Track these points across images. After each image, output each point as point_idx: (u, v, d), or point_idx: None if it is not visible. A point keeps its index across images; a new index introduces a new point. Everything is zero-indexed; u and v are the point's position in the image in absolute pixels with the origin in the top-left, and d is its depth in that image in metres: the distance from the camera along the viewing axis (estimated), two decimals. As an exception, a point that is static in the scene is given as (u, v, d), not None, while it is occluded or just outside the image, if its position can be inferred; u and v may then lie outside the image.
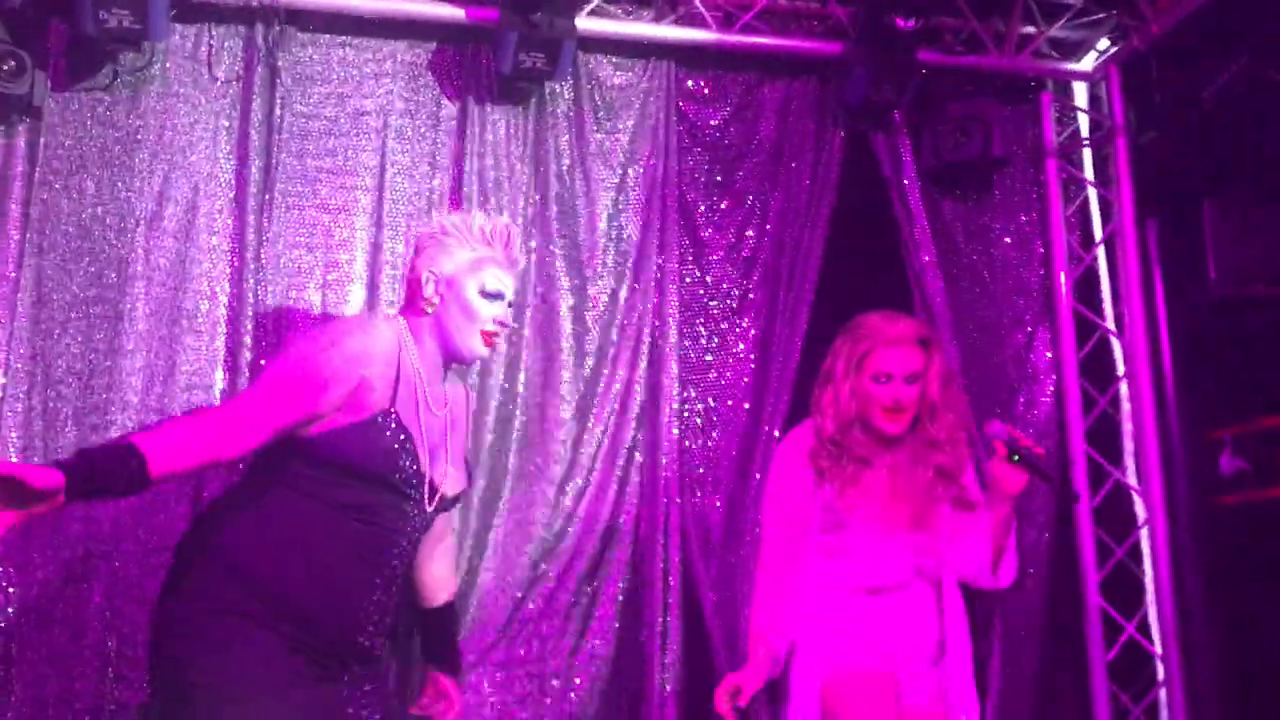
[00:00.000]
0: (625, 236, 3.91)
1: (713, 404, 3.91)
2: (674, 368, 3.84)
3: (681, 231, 3.97)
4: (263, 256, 3.54)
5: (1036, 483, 2.92)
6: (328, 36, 3.72)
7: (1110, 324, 4.32)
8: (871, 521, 2.86)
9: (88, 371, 3.37)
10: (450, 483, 2.59)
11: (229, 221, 3.55)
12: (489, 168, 3.80)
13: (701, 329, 3.97)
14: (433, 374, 2.56)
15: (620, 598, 3.70)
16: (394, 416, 2.41)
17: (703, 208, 4.03)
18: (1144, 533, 4.15)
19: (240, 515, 2.43)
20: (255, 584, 2.35)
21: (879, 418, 2.85)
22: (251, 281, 3.51)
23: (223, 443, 2.23)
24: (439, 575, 2.88)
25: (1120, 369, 4.27)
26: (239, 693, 2.28)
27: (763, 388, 3.89)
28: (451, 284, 2.54)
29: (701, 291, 3.98)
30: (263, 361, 3.45)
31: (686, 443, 3.84)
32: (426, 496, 2.51)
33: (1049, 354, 4.24)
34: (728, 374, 3.95)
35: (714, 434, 3.89)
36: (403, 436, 2.42)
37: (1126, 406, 4.23)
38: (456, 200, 3.75)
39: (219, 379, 3.46)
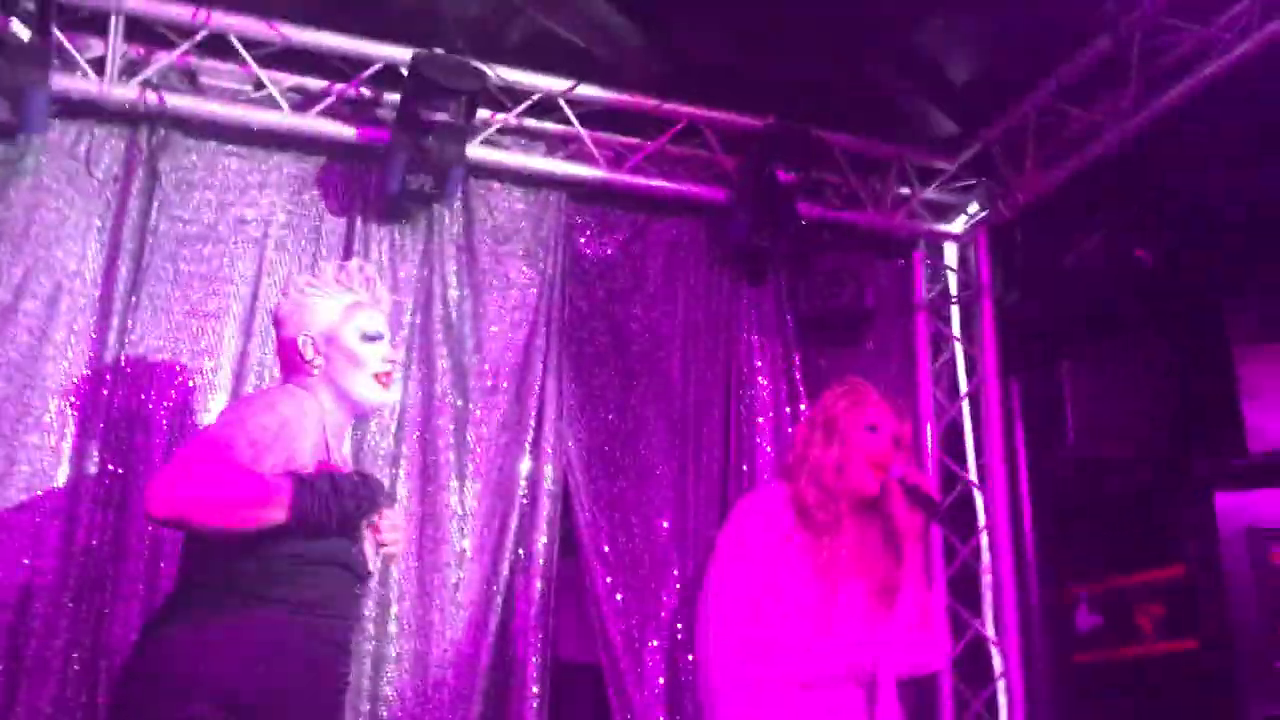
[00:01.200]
0: (510, 357, 3.90)
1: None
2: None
3: (571, 356, 3.98)
4: (122, 359, 3.44)
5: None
6: (213, 144, 3.71)
7: (973, 476, 4.42)
8: (830, 595, 2.80)
9: (-73, 463, 3.20)
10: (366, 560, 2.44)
11: (91, 320, 3.45)
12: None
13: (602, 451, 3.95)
14: (338, 437, 2.49)
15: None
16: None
17: (592, 331, 4.05)
18: (1000, 685, 4.17)
19: (188, 632, 2.20)
20: (222, 697, 2.14)
21: (862, 471, 2.81)
22: (110, 380, 3.40)
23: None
24: None
25: (981, 521, 4.35)
26: None
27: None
28: (330, 339, 2.47)
29: (589, 416, 3.96)
30: (110, 466, 3.32)
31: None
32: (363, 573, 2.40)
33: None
34: (630, 496, 3.92)
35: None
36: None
37: (987, 559, 4.30)
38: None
39: (61, 478, 3.30)
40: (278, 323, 2.54)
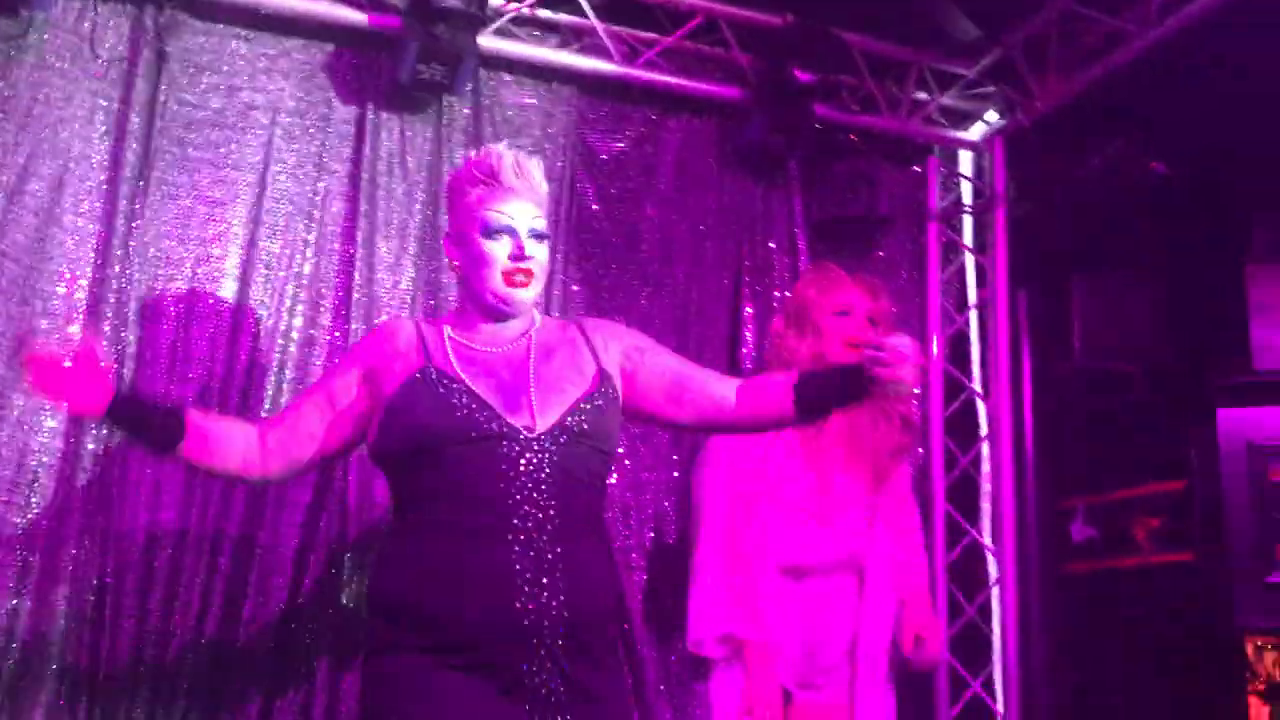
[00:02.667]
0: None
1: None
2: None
3: (580, 255, 3.95)
4: (130, 244, 3.40)
5: None
6: (222, 26, 3.61)
7: (978, 386, 4.42)
8: (824, 485, 2.80)
9: (-73, 346, 3.19)
10: (560, 402, 2.20)
11: (98, 204, 3.40)
12: (380, 174, 3.73)
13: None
14: (479, 332, 2.29)
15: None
16: (430, 371, 2.18)
17: (602, 230, 4.01)
18: (994, 592, 4.24)
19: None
20: (395, 612, 2.12)
21: (840, 355, 2.80)
22: (117, 268, 3.37)
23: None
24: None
25: (984, 430, 4.37)
26: None
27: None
28: (460, 239, 2.30)
29: (600, 314, 3.92)
30: (119, 347, 3.32)
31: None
32: (525, 427, 2.14)
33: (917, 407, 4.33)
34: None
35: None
36: (446, 381, 2.16)
37: (987, 468, 4.33)
38: (348, 205, 3.67)
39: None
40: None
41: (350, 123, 3.72)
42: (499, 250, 2.23)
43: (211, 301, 3.48)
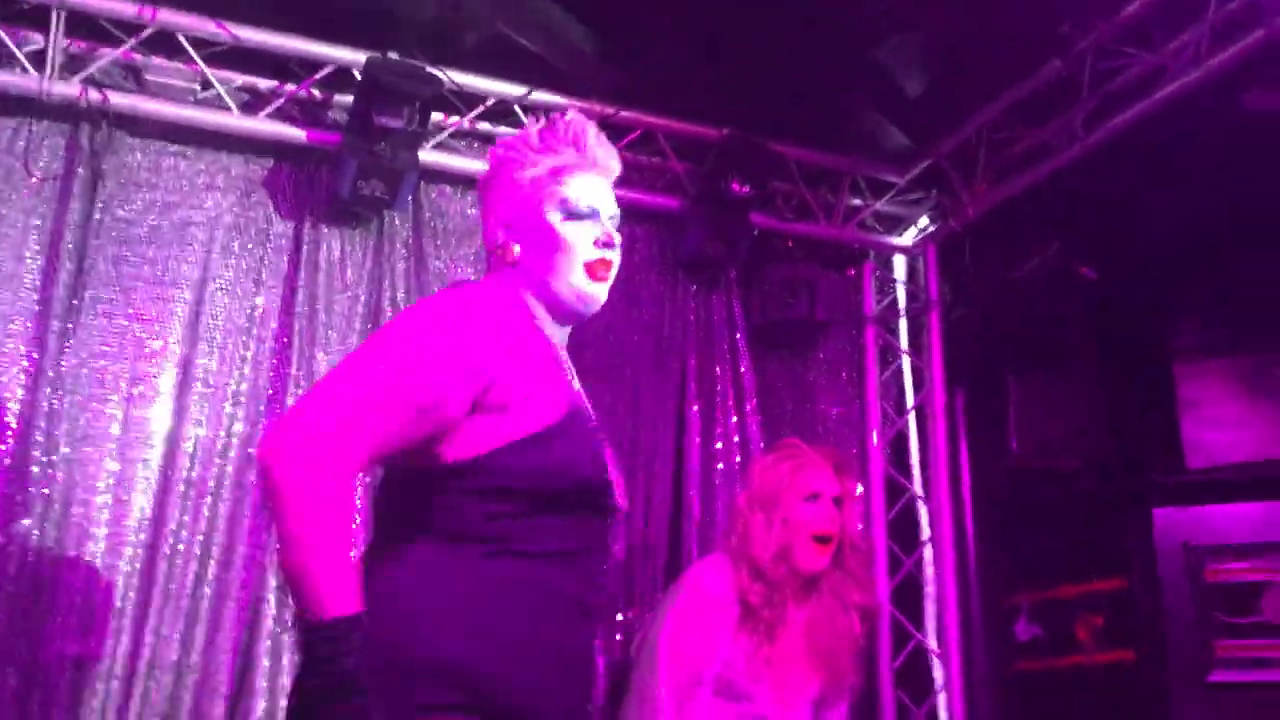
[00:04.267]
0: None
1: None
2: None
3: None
4: (62, 365, 3.35)
5: None
6: (158, 144, 3.62)
7: (918, 488, 4.46)
8: (778, 691, 2.73)
9: None
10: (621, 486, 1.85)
11: (28, 325, 3.35)
12: (320, 289, 3.72)
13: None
14: (559, 347, 1.87)
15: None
16: (578, 411, 1.74)
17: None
18: (941, 698, 4.22)
19: (403, 588, 1.62)
20: (448, 670, 1.58)
21: (805, 549, 2.73)
22: (48, 390, 3.31)
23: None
24: None
25: (926, 533, 4.40)
26: None
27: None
28: (521, 221, 1.83)
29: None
30: (50, 473, 3.24)
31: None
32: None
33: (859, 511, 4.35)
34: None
35: None
36: (595, 432, 1.77)
37: (930, 571, 4.34)
38: (284, 320, 3.64)
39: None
40: (480, 201, 1.96)
41: (288, 237, 3.72)
42: (582, 235, 1.81)
43: (147, 420, 3.41)
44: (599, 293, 1.83)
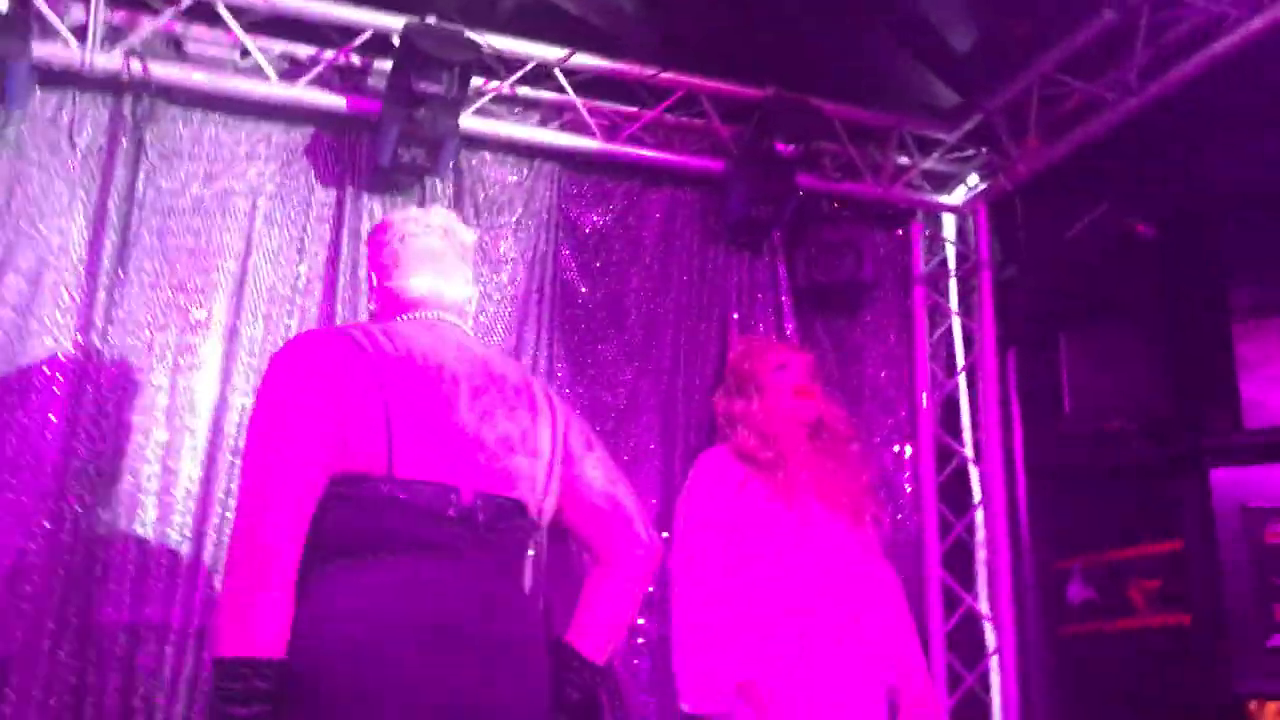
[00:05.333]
0: (501, 333, 3.84)
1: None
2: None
3: (564, 332, 3.92)
4: (110, 335, 3.37)
5: None
6: (200, 114, 3.62)
7: (969, 451, 4.39)
8: (807, 523, 2.81)
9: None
10: None
11: (76, 296, 3.38)
12: (362, 257, 3.70)
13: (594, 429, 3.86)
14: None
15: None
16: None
17: (585, 305, 3.98)
18: (994, 661, 4.18)
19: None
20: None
21: (788, 405, 2.86)
22: (96, 360, 3.34)
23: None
24: None
25: (977, 496, 4.34)
26: None
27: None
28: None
29: (582, 392, 3.90)
30: (100, 446, 3.28)
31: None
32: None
33: (909, 475, 4.30)
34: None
35: None
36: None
37: (981, 535, 4.28)
38: (328, 289, 3.64)
39: (50, 457, 3.24)
40: None
41: (330, 205, 3.72)
42: None
43: (194, 393, 3.43)
44: None
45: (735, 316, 4.15)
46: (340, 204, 3.72)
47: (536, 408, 2.16)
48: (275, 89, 3.62)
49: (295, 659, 1.78)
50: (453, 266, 2.23)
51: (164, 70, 3.49)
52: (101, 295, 3.38)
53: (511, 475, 2.05)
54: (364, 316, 3.59)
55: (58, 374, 3.31)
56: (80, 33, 3.42)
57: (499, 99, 3.92)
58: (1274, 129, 3.76)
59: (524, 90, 3.94)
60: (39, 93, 3.42)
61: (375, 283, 2.25)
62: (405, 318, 2.16)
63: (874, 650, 2.82)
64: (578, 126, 3.99)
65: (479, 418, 2.05)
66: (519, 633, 2.00)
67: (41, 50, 3.33)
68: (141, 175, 3.51)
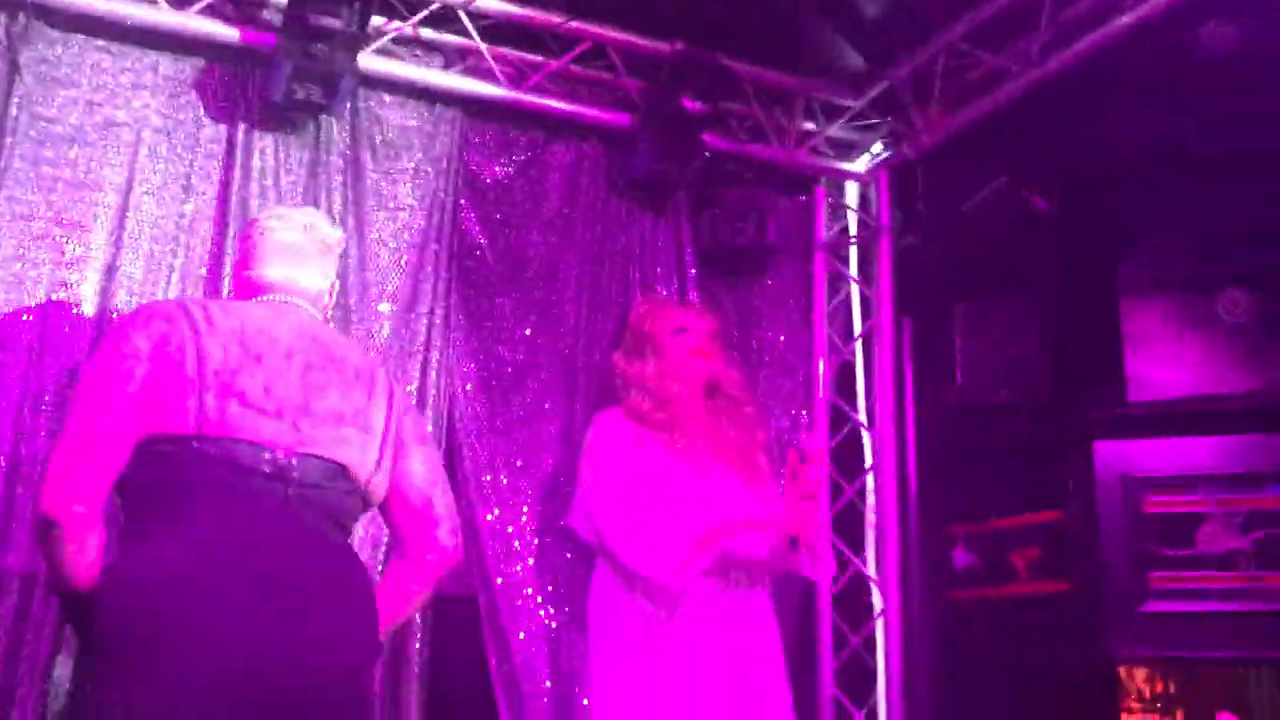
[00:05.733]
0: (397, 281, 3.74)
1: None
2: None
3: (461, 283, 3.83)
4: (-21, 267, 3.20)
5: None
6: (81, 38, 3.42)
7: (862, 417, 4.43)
8: (702, 474, 2.82)
9: None
10: None
11: (-56, 225, 3.18)
12: (252, 196, 3.56)
13: (489, 386, 3.81)
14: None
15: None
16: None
17: (484, 257, 3.90)
18: (879, 624, 4.24)
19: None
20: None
21: (684, 364, 2.93)
22: (-37, 294, 3.16)
23: None
24: None
25: (868, 461, 4.38)
26: None
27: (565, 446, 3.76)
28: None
29: (478, 346, 3.83)
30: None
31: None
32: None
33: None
34: (519, 436, 3.80)
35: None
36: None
37: (872, 499, 4.33)
38: (217, 229, 3.50)
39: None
40: None
41: (220, 142, 3.56)
42: None
43: (67, 330, 3.27)
44: None
45: (637, 275, 4.10)
46: (231, 140, 3.57)
47: (374, 391, 2.34)
48: (164, 15, 3.45)
49: (108, 607, 1.97)
50: (309, 259, 2.47)
51: (42, -12, 3.30)
52: (-31, 226, 3.20)
53: (336, 442, 2.23)
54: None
55: (-79, 307, 3.13)
56: (-49, -57, 3.22)
57: (400, 39, 3.80)
58: (1169, 107, 3.84)
59: (427, 32, 3.83)
60: (-96, 6, 3.21)
61: (235, 271, 2.55)
62: (254, 300, 2.38)
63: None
64: (481, 73, 3.89)
65: (307, 389, 2.23)
66: (337, 572, 2.17)
67: (-94, -41, 3.12)
68: (15, 100, 3.31)
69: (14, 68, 3.32)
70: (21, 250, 3.27)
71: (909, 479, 4.43)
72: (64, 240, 3.32)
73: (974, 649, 4.38)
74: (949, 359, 4.48)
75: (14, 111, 3.31)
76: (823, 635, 4.20)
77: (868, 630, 4.25)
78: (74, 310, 3.29)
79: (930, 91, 4.16)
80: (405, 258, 3.76)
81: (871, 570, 4.29)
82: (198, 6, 3.49)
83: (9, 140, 3.28)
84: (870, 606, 4.28)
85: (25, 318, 3.23)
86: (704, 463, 2.93)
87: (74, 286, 3.31)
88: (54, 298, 3.28)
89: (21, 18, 3.31)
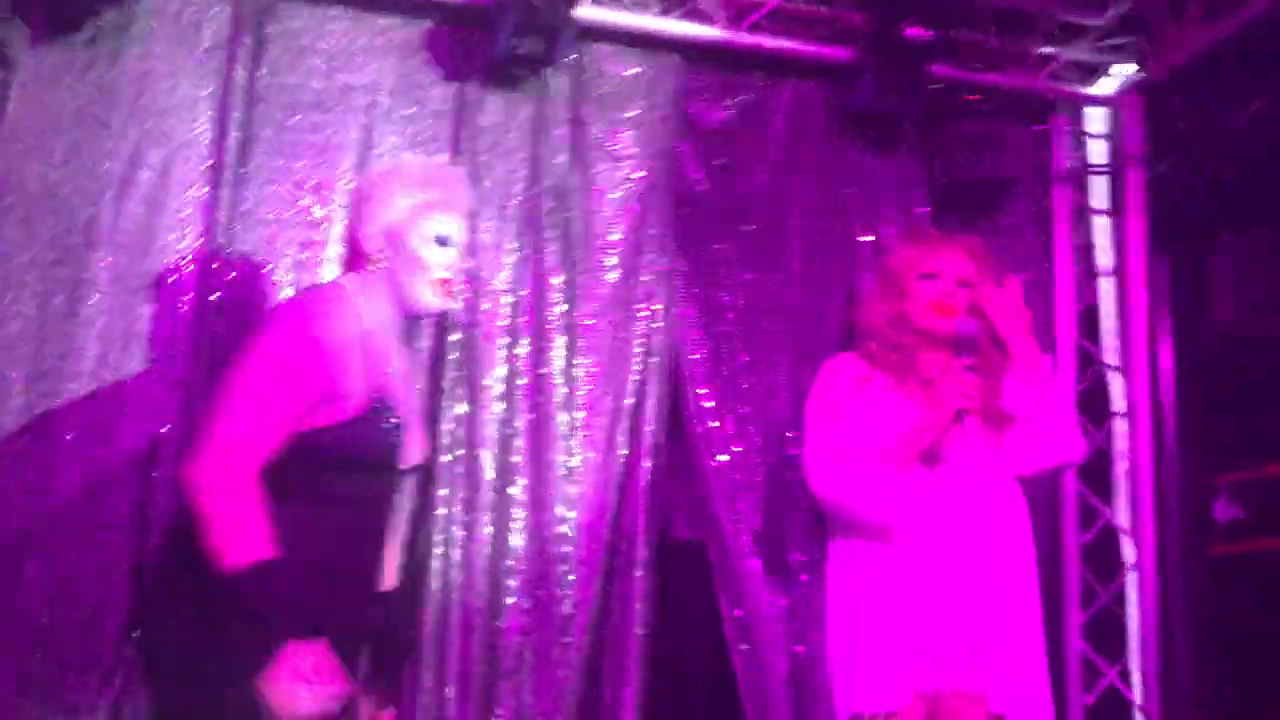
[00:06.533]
0: (621, 230, 3.77)
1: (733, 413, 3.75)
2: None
3: (683, 232, 3.83)
4: (234, 230, 3.42)
5: None
6: (320, 9, 3.60)
7: (1110, 359, 4.16)
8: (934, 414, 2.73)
9: (43, 336, 3.24)
10: (419, 451, 2.48)
11: (203, 191, 3.42)
12: (481, 151, 3.68)
13: (713, 332, 3.80)
14: (391, 339, 2.41)
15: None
16: (385, 402, 2.29)
17: (706, 204, 3.88)
18: (1131, 577, 3.99)
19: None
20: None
21: (922, 314, 2.76)
22: (223, 253, 3.40)
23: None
24: None
25: (1119, 406, 4.11)
26: None
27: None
28: (395, 236, 2.37)
29: (700, 293, 3.82)
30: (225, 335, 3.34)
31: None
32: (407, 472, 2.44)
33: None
34: (744, 382, 3.78)
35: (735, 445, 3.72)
36: (394, 421, 2.31)
37: (1121, 445, 4.07)
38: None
39: (179, 348, 3.32)
40: (352, 206, 2.49)
41: (448, 101, 3.67)
42: (437, 259, 2.38)
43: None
44: (446, 305, 2.46)
45: (863, 215, 3.99)
46: (460, 99, 3.68)
47: None
48: (393, -20, 3.58)
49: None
50: None
51: (283, -37, 3.49)
52: (226, 191, 3.43)
53: None
54: (483, 213, 3.62)
55: (188, 266, 3.38)
56: (201, -76, 3.44)
57: (617, -13, 3.80)
58: None
59: (644, -22, 3.82)
60: (162, -13, 3.46)
61: None
62: None
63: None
64: (699, 15, 3.85)
65: None
66: None
67: (163, -58, 3.35)
68: (264, 70, 3.53)
69: (261, 40, 3.53)
70: (271, 214, 3.49)
71: (1165, 424, 4.14)
72: (308, 203, 3.52)
73: (1239, 608, 4.07)
74: (1210, 293, 4.15)
75: (262, 82, 3.52)
76: (1070, 588, 4.00)
77: (1119, 584, 4.01)
78: (320, 268, 3.48)
79: (1182, 5, 3.82)
80: (629, 207, 3.78)
81: (1123, 520, 4.04)
82: (425, -31, 3.61)
83: (258, 109, 3.50)
84: (1121, 559, 4.03)
85: (276, 276, 3.45)
86: (935, 406, 2.80)
87: (319, 246, 3.50)
88: (302, 256, 3.48)
89: (268, -9, 3.51)
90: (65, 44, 3.38)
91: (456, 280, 2.44)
